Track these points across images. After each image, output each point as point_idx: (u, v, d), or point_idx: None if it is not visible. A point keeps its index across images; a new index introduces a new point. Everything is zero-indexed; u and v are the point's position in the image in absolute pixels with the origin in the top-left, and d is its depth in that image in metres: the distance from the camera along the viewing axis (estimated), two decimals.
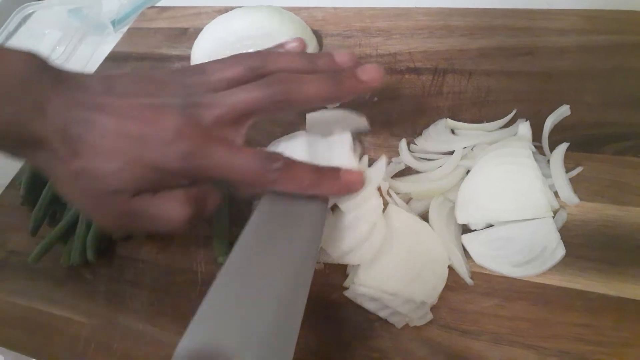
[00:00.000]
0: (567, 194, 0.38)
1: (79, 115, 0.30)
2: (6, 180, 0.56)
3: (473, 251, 0.37)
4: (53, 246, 0.45)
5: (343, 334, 0.36)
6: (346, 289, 0.38)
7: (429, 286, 0.36)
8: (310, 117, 0.47)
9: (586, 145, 0.40)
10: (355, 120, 0.46)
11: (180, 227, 0.33)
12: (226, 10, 0.63)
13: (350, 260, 0.38)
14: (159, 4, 0.75)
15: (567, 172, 0.39)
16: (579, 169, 0.39)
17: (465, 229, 0.39)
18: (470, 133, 0.44)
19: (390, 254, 0.37)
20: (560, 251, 0.35)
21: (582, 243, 0.36)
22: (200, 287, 0.42)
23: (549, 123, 0.42)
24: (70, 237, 0.46)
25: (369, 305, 0.37)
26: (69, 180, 0.31)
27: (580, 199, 0.38)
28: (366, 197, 0.38)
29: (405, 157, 0.43)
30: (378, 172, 0.40)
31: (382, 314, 0.36)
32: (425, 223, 0.39)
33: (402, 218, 0.39)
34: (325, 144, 0.41)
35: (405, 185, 0.41)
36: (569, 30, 0.48)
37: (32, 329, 0.44)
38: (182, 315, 0.40)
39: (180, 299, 0.42)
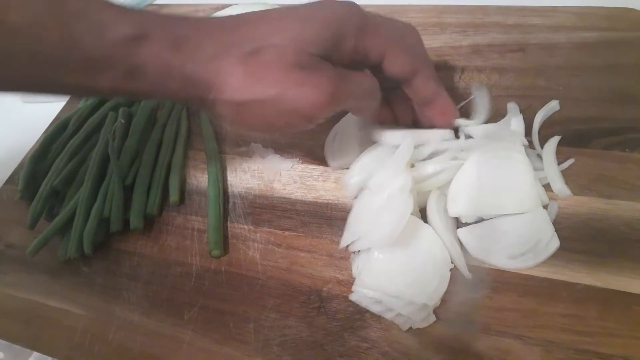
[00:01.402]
0: (560, 186, 0.38)
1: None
2: (5, 176, 0.57)
3: (469, 245, 0.38)
4: (50, 239, 0.46)
5: (334, 324, 0.37)
6: (342, 280, 0.39)
7: (430, 288, 0.35)
8: None
9: (575, 140, 0.41)
10: None
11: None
12: (223, 7, 0.64)
13: (375, 241, 0.37)
14: (157, 2, 0.76)
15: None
16: (570, 161, 0.40)
17: (459, 223, 0.39)
18: (462, 128, 0.44)
19: (392, 256, 0.37)
20: (555, 243, 0.36)
21: (570, 236, 0.36)
22: (194, 279, 0.42)
23: (539, 118, 0.42)
24: (67, 231, 0.47)
25: (374, 308, 0.36)
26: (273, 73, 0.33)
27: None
28: (394, 177, 0.38)
29: None
30: (405, 151, 0.39)
31: (388, 316, 0.36)
32: (426, 225, 0.38)
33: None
34: None
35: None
36: (561, 27, 0.49)
37: (29, 321, 0.44)
38: (177, 307, 0.41)
39: (175, 291, 0.42)
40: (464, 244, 0.38)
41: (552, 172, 0.39)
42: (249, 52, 0.33)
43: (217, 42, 0.33)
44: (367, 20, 0.35)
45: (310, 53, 0.33)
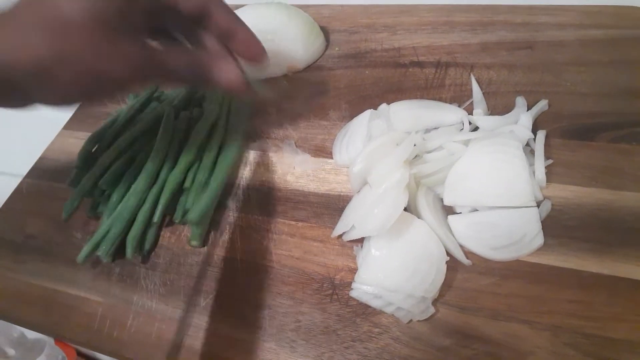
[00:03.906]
0: (540, 177, 0.40)
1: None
2: (24, 169, 0.58)
3: (457, 231, 0.39)
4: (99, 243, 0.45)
5: (347, 310, 0.38)
6: (354, 268, 0.40)
7: (427, 281, 0.36)
8: None
9: (582, 134, 0.42)
10: None
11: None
12: (236, 7, 0.66)
13: (368, 231, 0.38)
14: None
15: (557, 159, 0.41)
16: (549, 161, 0.41)
17: (450, 213, 0.40)
18: (471, 118, 0.45)
19: (389, 252, 0.38)
20: (539, 240, 0.37)
21: (577, 225, 0.37)
22: (210, 268, 0.44)
23: (532, 115, 0.43)
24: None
25: (375, 303, 0.37)
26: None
27: (576, 184, 0.39)
28: (392, 171, 0.39)
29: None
30: (406, 147, 0.41)
31: (388, 310, 0.37)
32: (420, 220, 0.39)
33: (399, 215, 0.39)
34: None
35: (417, 167, 0.42)
36: (568, 25, 0.50)
37: (49, 308, 0.46)
38: (194, 294, 0.42)
39: (192, 279, 0.43)
40: (452, 230, 0.39)
41: (538, 162, 0.40)
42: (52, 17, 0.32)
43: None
44: None
45: (112, 27, 0.33)
